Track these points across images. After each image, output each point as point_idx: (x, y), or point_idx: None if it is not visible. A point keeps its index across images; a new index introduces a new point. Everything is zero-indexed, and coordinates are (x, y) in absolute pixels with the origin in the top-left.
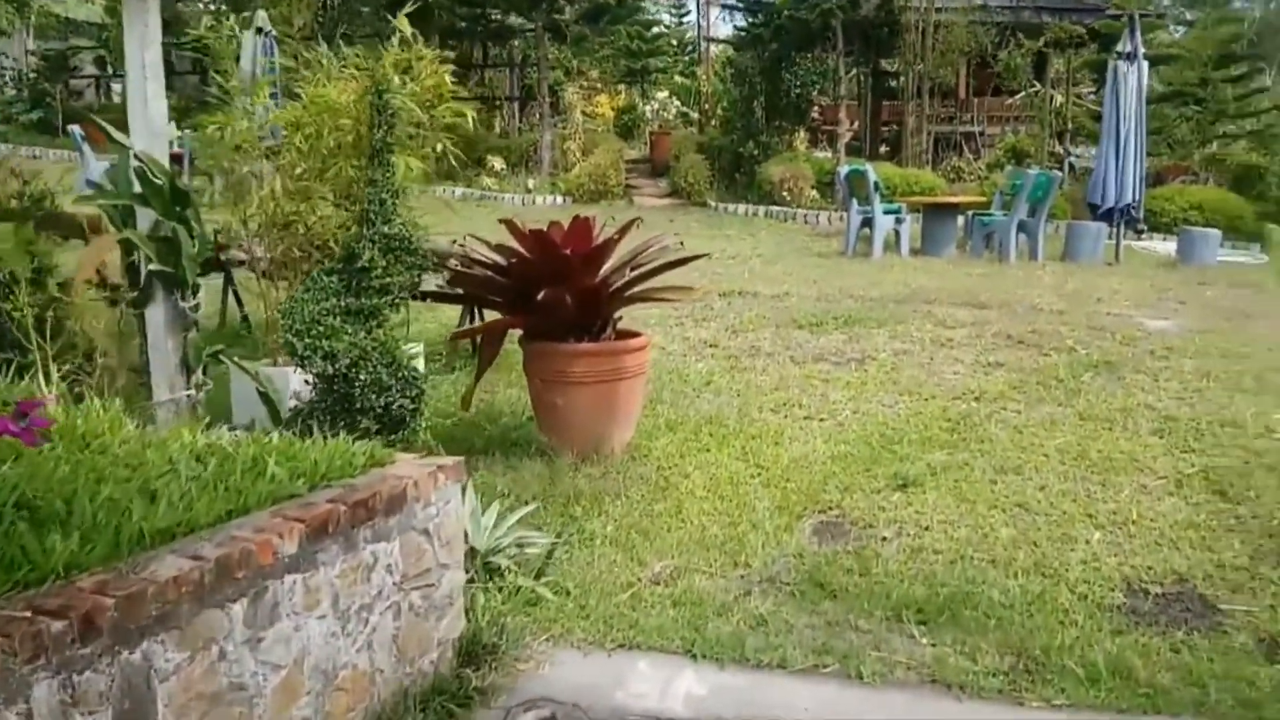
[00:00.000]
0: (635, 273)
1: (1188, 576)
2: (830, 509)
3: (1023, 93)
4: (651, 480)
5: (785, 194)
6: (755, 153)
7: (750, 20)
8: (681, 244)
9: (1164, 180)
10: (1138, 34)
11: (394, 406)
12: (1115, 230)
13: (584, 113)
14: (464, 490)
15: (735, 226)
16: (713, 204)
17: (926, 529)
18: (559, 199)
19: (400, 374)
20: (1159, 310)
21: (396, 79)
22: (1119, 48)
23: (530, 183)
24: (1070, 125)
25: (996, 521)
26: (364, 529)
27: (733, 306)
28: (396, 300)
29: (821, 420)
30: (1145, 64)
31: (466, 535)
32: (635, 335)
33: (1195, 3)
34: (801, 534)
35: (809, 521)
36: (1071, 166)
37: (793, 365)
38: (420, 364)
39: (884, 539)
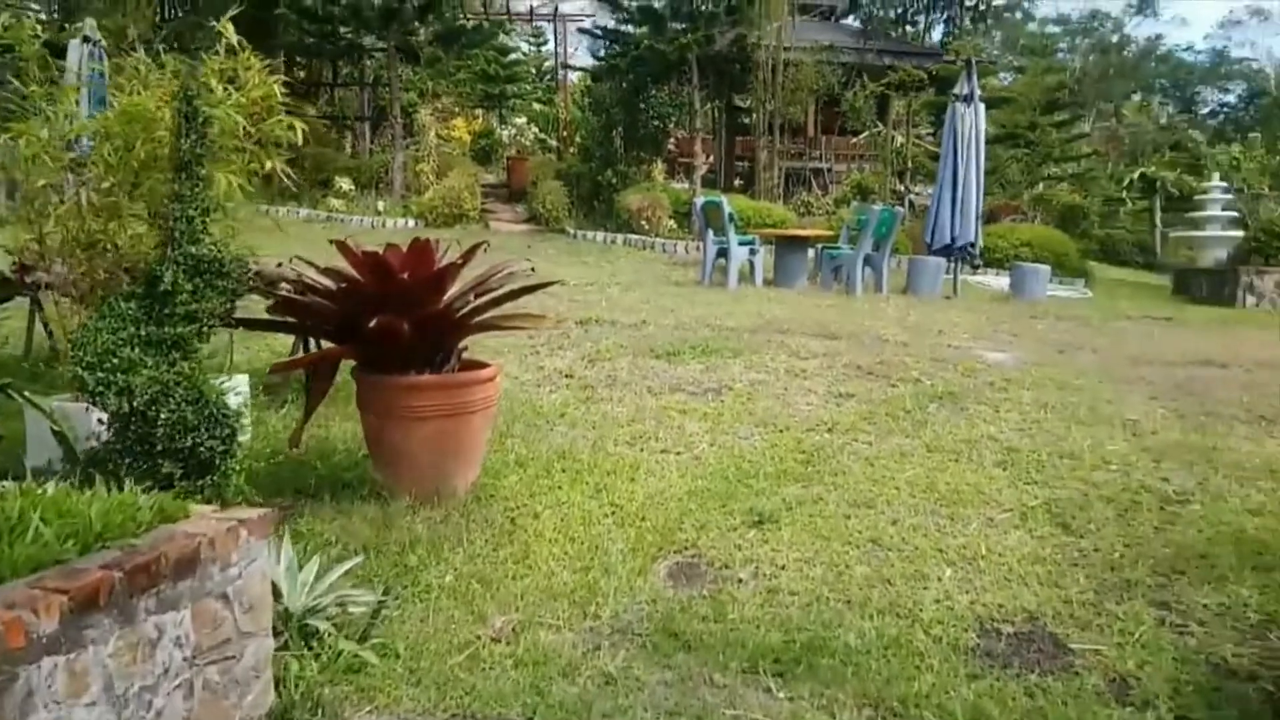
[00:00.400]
0: (481, 300)
1: (1038, 614)
2: (686, 549)
3: (866, 132)
4: (497, 523)
5: (643, 223)
6: (614, 181)
7: (608, 50)
8: (533, 269)
9: (996, 218)
10: (974, 77)
11: (200, 448)
12: (953, 266)
13: (439, 135)
14: (281, 542)
15: (593, 254)
16: (571, 231)
17: (782, 568)
18: (411, 222)
19: (208, 411)
20: (995, 342)
21: (220, 89)
22: (956, 90)
23: (380, 205)
24: (910, 164)
25: (851, 559)
26: (146, 598)
27: (590, 335)
28: (206, 329)
29: (678, 453)
30: (982, 106)
31: (280, 594)
32: (483, 366)
33: (1025, 51)
34: (656, 577)
35: (664, 564)
36: (911, 204)
37: (650, 396)
38: (237, 399)
39: (740, 580)
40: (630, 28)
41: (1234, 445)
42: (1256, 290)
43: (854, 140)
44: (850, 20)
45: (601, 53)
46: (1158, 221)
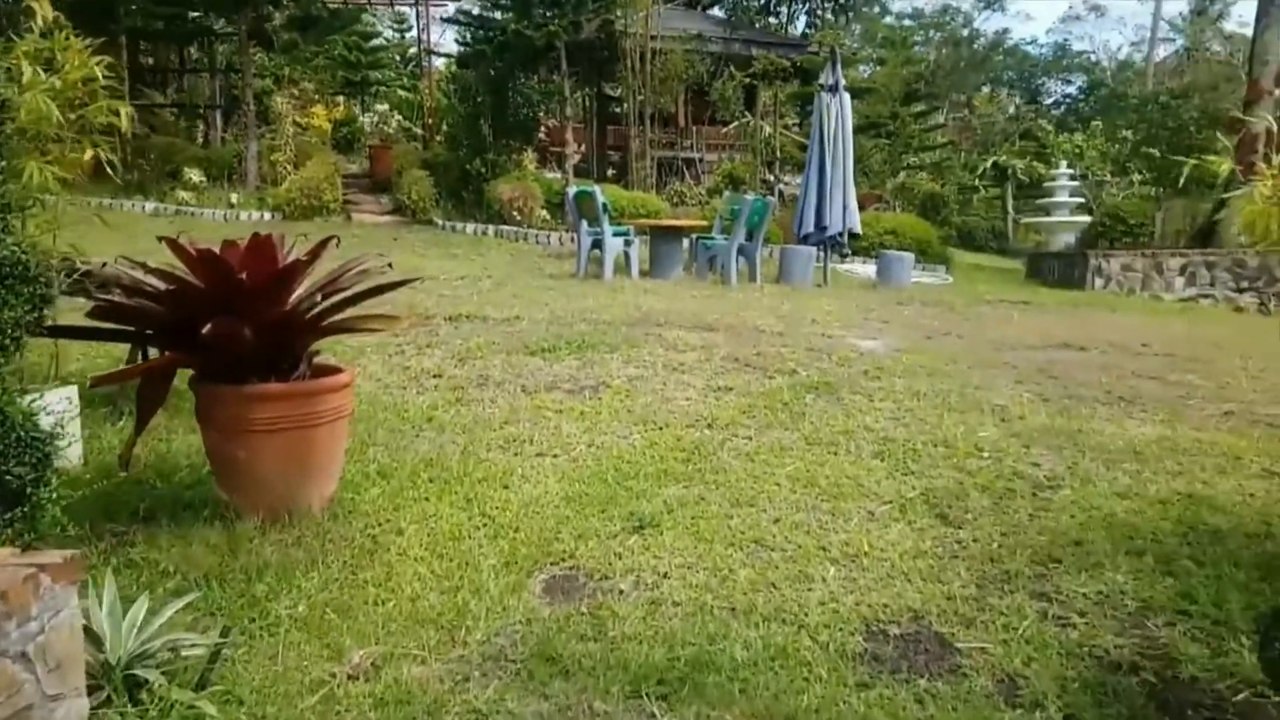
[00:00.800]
0: (331, 300)
1: (922, 613)
2: (563, 560)
3: (736, 122)
4: (356, 543)
5: (515, 213)
6: (483, 170)
7: (474, 36)
8: (390, 265)
9: (862, 207)
10: (839, 67)
11: (7, 477)
12: (824, 254)
13: (296, 123)
14: (104, 580)
15: (464, 246)
16: (439, 222)
17: (665, 576)
18: (267, 215)
19: (15, 435)
20: (867, 331)
21: (31, 72)
22: (822, 80)
23: (234, 197)
24: (779, 154)
25: (735, 562)
26: None
27: (460, 331)
28: (9, 341)
29: (555, 456)
30: (847, 96)
31: (102, 642)
32: (336, 371)
33: (883, 44)
34: (531, 594)
35: (540, 578)
36: (780, 193)
37: (524, 395)
38: (51, 418)
39: (621, 592)
40: (496, 13)
41: (1097, 428)
42: (1104, 273)
43: (724, 130)
44: (716, 11)
45: (468, 39)
46: (1010, 208)
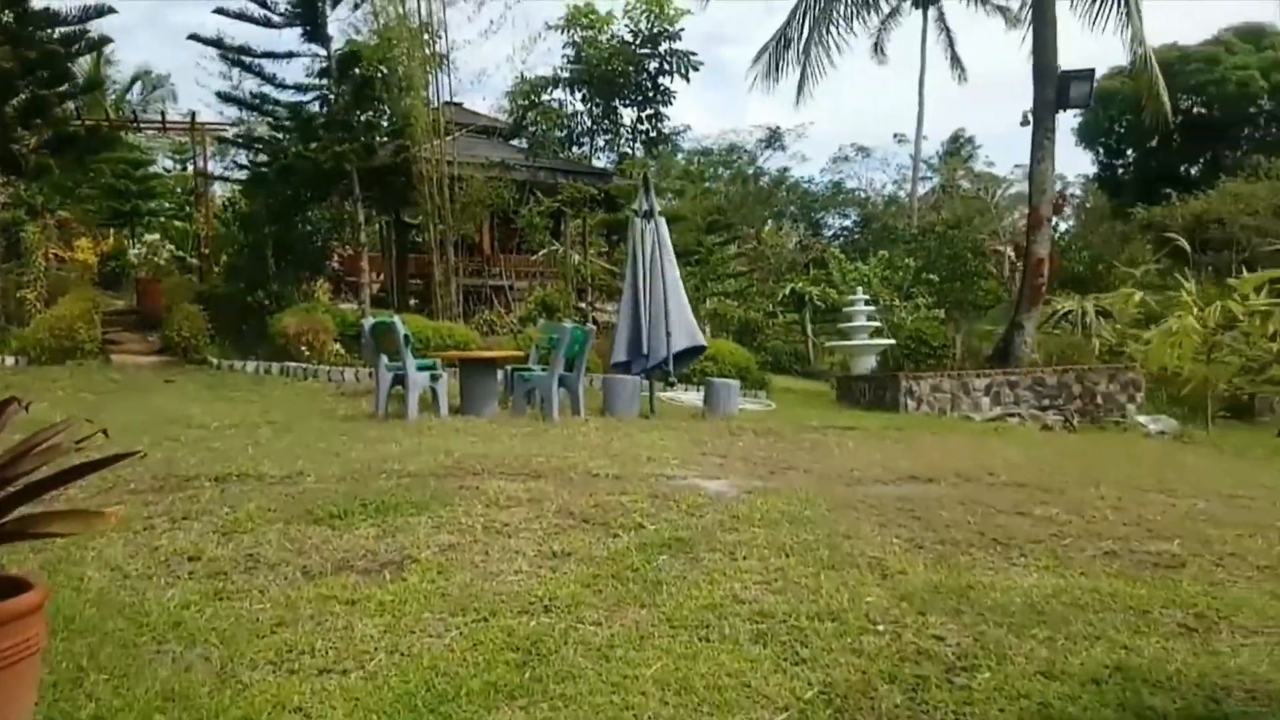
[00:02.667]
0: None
1: None
2: None
3: (544, 250)
4: None
5: (304, 348)
6: (266, 303)
7: (253, 159)
8: (105, 433)
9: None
10: (652, 193)
11: None
12: (650, 383)
13: (56, 256)
14: None
15: (242, 387)
16: (214, 361)
17: None
18: (11, 360)
19: None
20: (707, 468)
21: None
22: (635, 206)
23: None
24: (591, 281)
25: None
26: None
27: (228, 496)
28: None
29: (344, 673)
30: (663, 221)
31: None
32: (21, 586)
33: (682, 176)
34: None
35: None
36: (595, 320)
37: (305, 582)
38: None
39: None
40: (280, 135)
41: (985, 580)
42: (915, 394)
43: (533, 257)
44: (519, 141)
45: (248, 163)
46: (809, 332)
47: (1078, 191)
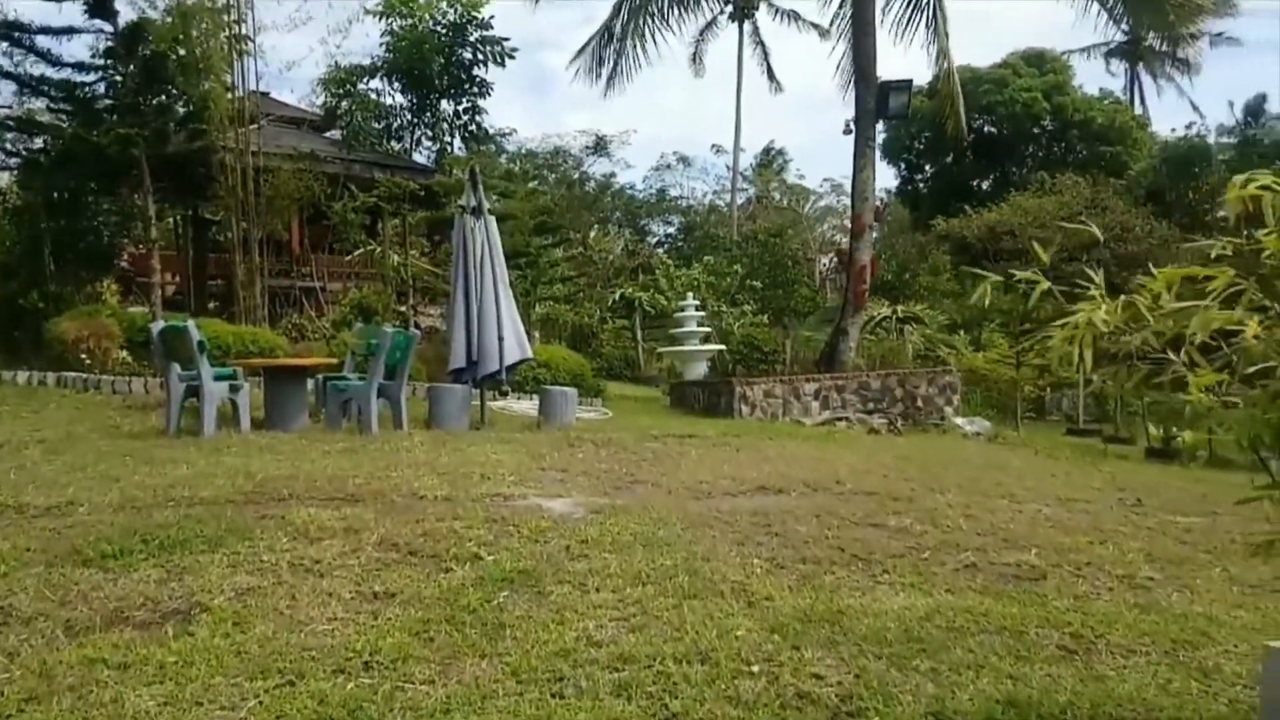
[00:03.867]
0: None
1: None
2: None
3: (360, 249)
4: None
5: (84, 356)
6: (42, 305)
7: (24, 145)
8: None
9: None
10: (480, 189)
11: None
12: (481, 392)
13: None
14: None
15: (12, 400)
16: None
17: None
18: None
19: None
20: (547, 485)
21: None
22: (463, 201)
23: None
24: (413, 282)
25: None
26: None
27: None
28: None
29: None
30: (493, 220)
31: None
32: None
33: (507, 177)
34: None
35: None
36: (418, 325)
37: (67, 641)
38: None
39: None
40: (62, 119)
41: (854, 604)
42: (749, 400)
43: (348, 258)
44: (333, 134)
45: (21, 150)
46: (639, 337)
47: (879, 204)
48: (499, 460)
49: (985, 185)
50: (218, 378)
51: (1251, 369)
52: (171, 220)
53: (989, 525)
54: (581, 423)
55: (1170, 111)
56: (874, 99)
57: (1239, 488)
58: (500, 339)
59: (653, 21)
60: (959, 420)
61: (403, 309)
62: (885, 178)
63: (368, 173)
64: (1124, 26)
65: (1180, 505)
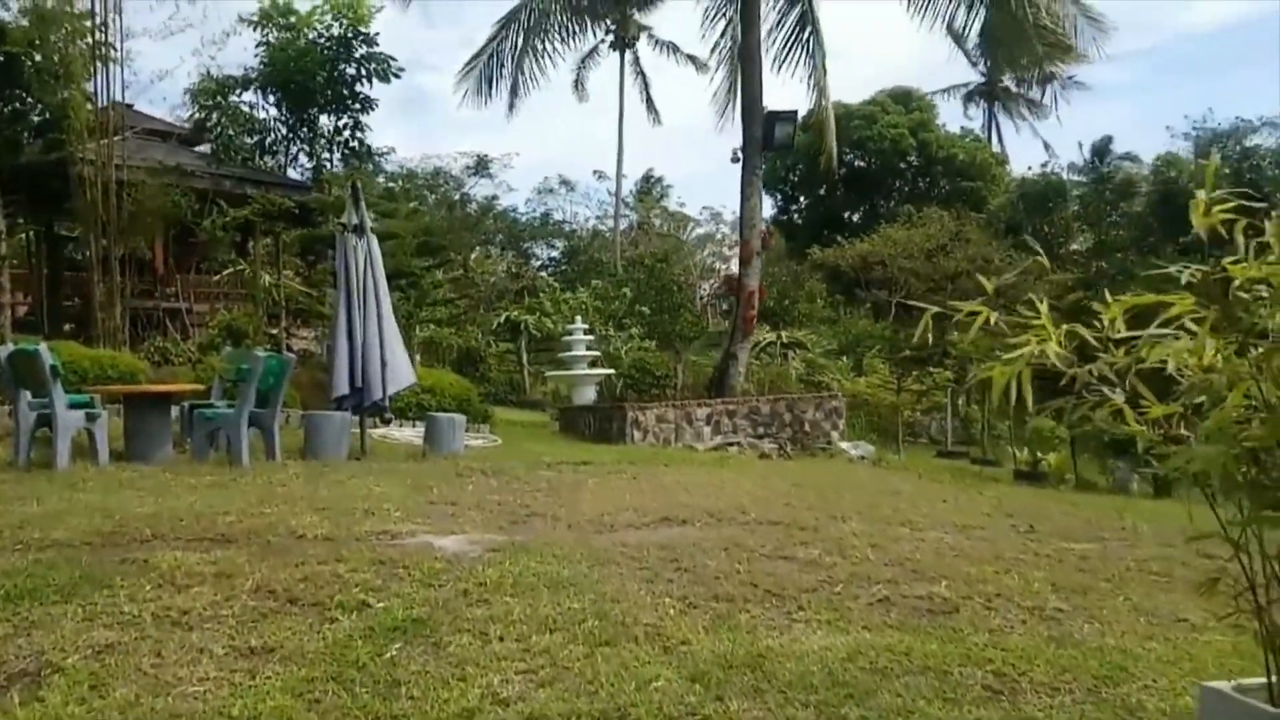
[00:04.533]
0: None
1: None
2: None
3: (230, 269)
4: None
5: None
6: None
7: None
8: None
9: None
10: (362, 205)
11: None
12: (361, 420)
13: None
14: None
15: None
16: None
17: None
18: None
19: None
20: (438, 520)
21: None
22: (344, 219)
23: None
24: (287, 304)
25: None
26: None
27: None
28: None
29: None
30: (375, 239)
31: None
32: None
33: (386, 196)
34: None
35: None
36: (290, 348)
37: None
38: None
39: None
40: None
41: (775, 646)
42: (641, 425)
43: (216, 277)
44: (204, 148)
45: None
46: (525, 361)
47: (766, 231)
48: (383, 493)
49: (856, 217)
50: (72, 406)
51: (1200, 399)
52: (24, 236)
53: (896, 555)
54: (470, 451)
55: (1026, 149)
56: (760, 129)
57: (1113, 511)
58: (384, 364)
59: (540, 45)
60: (844, 444)
61: (274, 331)
62: (763, 207)
63: (239, 188)
64: (981, 69)
65: (1069, 531)
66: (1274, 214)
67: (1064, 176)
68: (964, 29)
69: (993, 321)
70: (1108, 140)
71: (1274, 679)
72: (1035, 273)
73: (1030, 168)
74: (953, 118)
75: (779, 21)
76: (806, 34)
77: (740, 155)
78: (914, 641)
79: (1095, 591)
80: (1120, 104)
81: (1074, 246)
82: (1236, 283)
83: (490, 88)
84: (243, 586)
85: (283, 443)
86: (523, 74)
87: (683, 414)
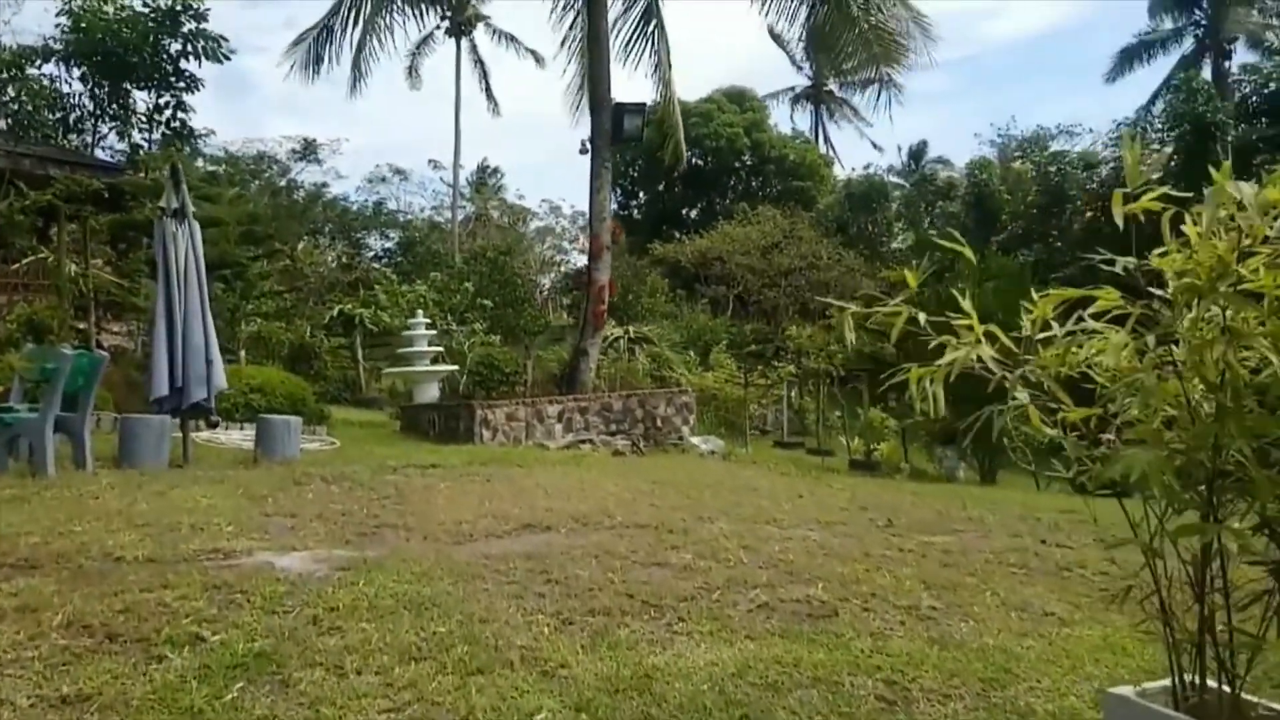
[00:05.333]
0: None
1: None
2: None
3: (31, 256)
4: None
5: None
6: None
7: None
8: None
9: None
10: (184, 187)
11: None
12: (183, 423)
13: None
14: None
15: None
16: None
17: None
18: None
19: None
20: (276, 535)
21: None
22: (164, 203)
23: None
24: (96, 296)
25: None
26: None
27: None
28: None
29: None
30: (197, 225)
31: None
32: None
33: (207, 180)
34: None
35: None
36: (100, 344)
37: None
38: None
39: None
40: None
41: (660, 664)
42: (491, 424)
43: (14, 266)
44: None
45: None
46: (360, 357)
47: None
48: (211, 505)
49: (694, 214)
50: None
51: (1128, 401)
52: None
53: (768, 556)
54: (306, 455)
55: (855, 150)
56: (609, 120)
57: (956, 501)
58: (209, 361)
59: (380, 24)
60: (695, 439)
61: (83, 326)
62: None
63: (40, 168)
64: (807, 72)
65: (924, 524)
66: (1194, 209)
67: (885, 178)
68: (804, 26)
69: (922, 321)
70: (923, 145)
71: (1177, 682)
72: (861, 270)
73: (853, 169)
74: (784, 119)
75: (624, 12)
76: (651, 26)
77: (589, 146)
78: (801, 651)
79: (963, 588)
80: (934, 110)
81: (894, 245)
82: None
83: (319, 65)
84: (51, 622)
85: (94, 449)
86: (361, 53)
87: (533, 411)
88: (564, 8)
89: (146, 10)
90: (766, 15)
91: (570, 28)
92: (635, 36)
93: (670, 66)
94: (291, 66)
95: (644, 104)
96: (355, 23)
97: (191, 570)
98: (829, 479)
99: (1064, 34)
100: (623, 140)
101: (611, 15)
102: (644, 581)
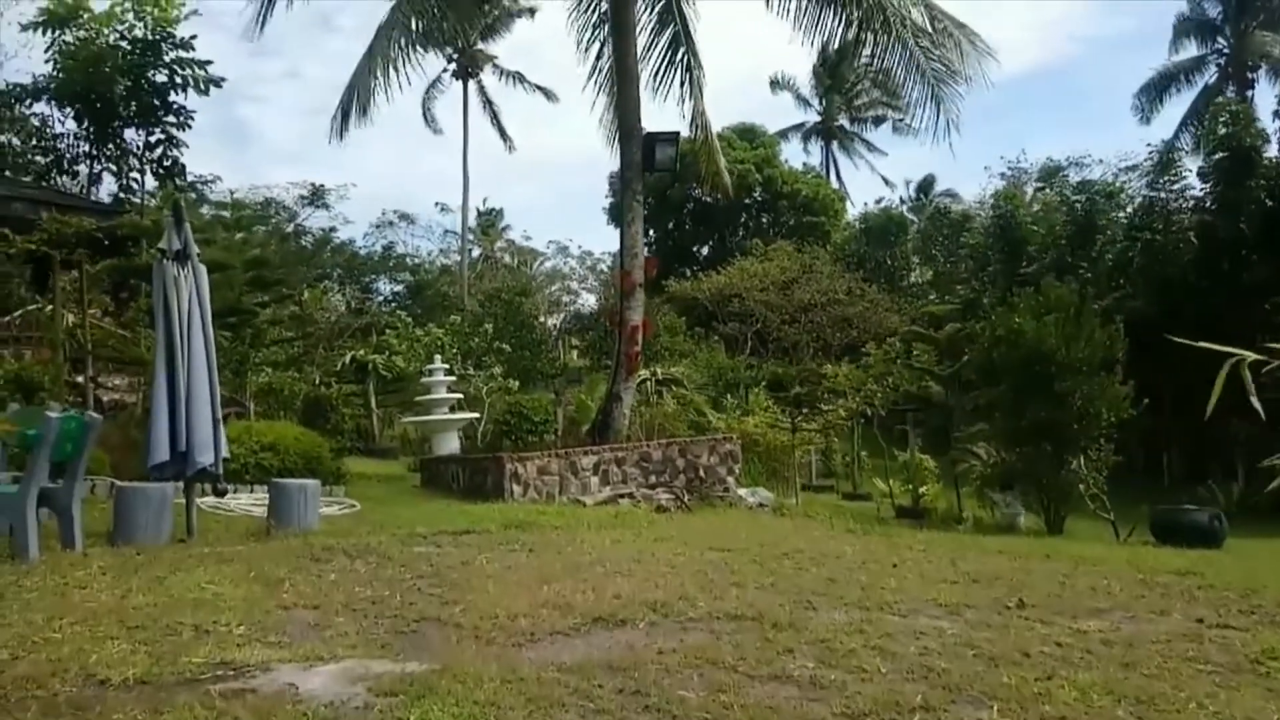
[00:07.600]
0: None
1: None
2: None
3: (22, 309)
4: None
5: None
6: None
7: None
8: None
9: (225, 418)
10: (186, 228)
11: None
12: (187, 489)
13: None
14: None
15: None
16: None
17: None
18: None
19: None
20: (296, 638)
21: None
22: (164, 244)
23: None
24: (95, 349)
25: None
26: None
27: None
28: None
29: None
30: (203, 269)
31: None
32: None
33: (214, 223)
34: None
35: None
36: (98, 400)
37: None
38: None
39: None
40: None
41: None
42: (521, 479)
43: (6, 319)
44: None
45: None
46: (374, 405)
47: (605, 268)
48: (218, 595)
49: (705, 251)
50: None
51: None
52: None
53: (910, 663)
54: (325, 522)
55: (867, 185)
56: (639, 151)
57: (1053, 558)
58: (216, 421)
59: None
60: (742, 491)
61: (79, 379)
62: (613, 240)
63: (32, 213)
64: (816, 108)
65: (1057, 601)
66: None
67: (903, 212)
68: (852, 51)
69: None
70: (930, 178)
71: None
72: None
73: (866, 204)
74: (794, 155)
75: (652, 41)
76: (680, 54)
77: (620, 180)
78: None
79: (1162, 699)
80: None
81: (913, 279)
82: None
83: (345, 121)
84: None
85: (85, 524)
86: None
87: (567, 464)
88: (589, 39)
89: (125, 43)
90: (808, 36)
91: (597, 57)
92: (665, 64)
93: (703, 96)
94: (334, 128)
95: (677, 133)
96: (375, 77)
97: (191, 699)
98: (896, 534)
99: (1051, 72)
100: (655, 171)
101: (641, 44)
102: (769, 706)
